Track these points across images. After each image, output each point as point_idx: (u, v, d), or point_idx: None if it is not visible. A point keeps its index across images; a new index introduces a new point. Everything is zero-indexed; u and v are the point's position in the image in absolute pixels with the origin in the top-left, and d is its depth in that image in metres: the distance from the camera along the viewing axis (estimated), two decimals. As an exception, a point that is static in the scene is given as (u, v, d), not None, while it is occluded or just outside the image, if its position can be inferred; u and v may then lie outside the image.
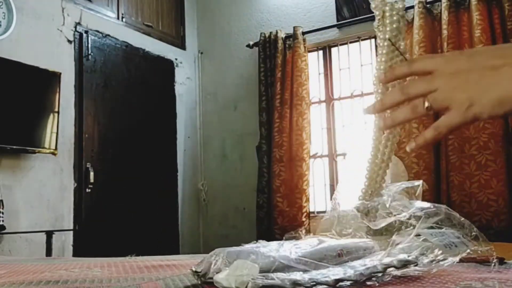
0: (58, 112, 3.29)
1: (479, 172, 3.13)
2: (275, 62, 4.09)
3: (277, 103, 4.02)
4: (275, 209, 3.92)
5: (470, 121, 0.53)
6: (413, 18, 3.52)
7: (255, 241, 0.97)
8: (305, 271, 0.81)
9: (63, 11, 3.51)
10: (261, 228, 3.95)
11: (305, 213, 3.89)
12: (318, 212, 4.01)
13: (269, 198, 3.97)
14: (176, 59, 4.51)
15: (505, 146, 3.10)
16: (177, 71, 4.52)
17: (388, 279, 0.78)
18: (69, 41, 3.54)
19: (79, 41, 3.60)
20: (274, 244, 0.92)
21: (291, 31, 4.09)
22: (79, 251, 3.38)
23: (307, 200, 3.91)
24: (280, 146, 3.96)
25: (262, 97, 4.14)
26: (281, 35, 4.13)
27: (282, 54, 4.09)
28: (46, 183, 3.28)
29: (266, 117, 4.09)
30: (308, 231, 3.85)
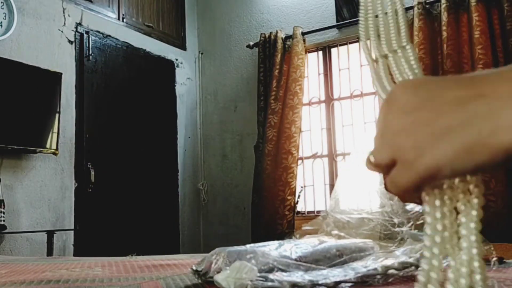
0: (59, 112, 3.29)
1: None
2: (274, 61, 4.09)
3: (271, 100, 4.02)
4: (261, 203, 3.92)
5: (428, 178, 0.35)
6: (412, 19, 3.53)
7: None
8: (306, 271, 0.81)
9: (64, 12, 3.52)
10: (256, 228, 3.96)
11: (288, 207, 3.87)
12: (317, 212, 4.02)
13: (261, 196, 3.97)
14: (176, 59, 4.52)
15: None
16: (178, 71, 4.52)
17: (389, 280, 0.79)
18: (70, 42, 3.55)
19: (80, 42, 3.61)
20: (274, 244, 0.93)
21: (291, 32, 4.09)
22: (80, 250, 3.38)
23: (292, 193, 3.90)
24: (270, 141, 3.97)
25: (261, 97, 4.15)
26: (281, 35, 4.13)
27: (280, 53, 4.09)
28: (47, 183, 3.28)
29: (264, 117, 4.10)
30: (292, 226, 3.84)
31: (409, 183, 0.37)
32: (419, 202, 0.40)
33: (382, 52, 0.47)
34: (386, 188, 0.40)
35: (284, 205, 3.86)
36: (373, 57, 0.47)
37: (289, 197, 3.88)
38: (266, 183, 3.92)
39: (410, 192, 0.38)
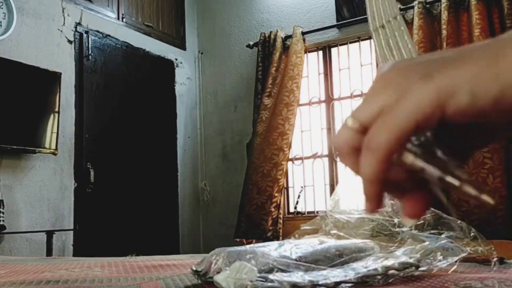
0: (58, 112, 3.29)
1: (477, 170, 3.14)
2: (271, 59, 4.09)
3: (265, 97, 4.01)
4: (247, 196, 3.90)
5: (436, 107, 0.26)
6: (412, 18, 3.53)
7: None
8: (306, 271, 0.81)
9: (63, 11, 3.52)
10: (239, 221, 3.94)
11: (274, 204, 3.86)
12: (317, 212, 4.02)
13: (248, 190, 3.95)
14: (176, 59, 4.52)
15: (502, 143, 3.09)
16: (177, 71, 4.52)
17: (389, 281, 0.79)
18: (70, 41, 3.54)
19: (79, 41, 3.60)
20: (274, 244, 0.92)
21: (291, 31, 4.09)
22: (79, 251, 3.38)
23: (279, 191, 3.89)
24: (259, 135, 3.96)
25: (258, 95, 4.15)
26: (281, 35, 4.13)
27: (279, 52, 4.09)
28: (46, 183, 3.28)
29: (258, 113, 4.10)
30: (276, 224, 3.83)
31: (408, 117, 0.26)
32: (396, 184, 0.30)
33: (380, 22, 0.46)
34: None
35: (271, 201, 3.86)
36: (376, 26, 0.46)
37: (276, 194, 3.87)
38: (253, 176, 3.91)
39: (401, 141, 0.27)
